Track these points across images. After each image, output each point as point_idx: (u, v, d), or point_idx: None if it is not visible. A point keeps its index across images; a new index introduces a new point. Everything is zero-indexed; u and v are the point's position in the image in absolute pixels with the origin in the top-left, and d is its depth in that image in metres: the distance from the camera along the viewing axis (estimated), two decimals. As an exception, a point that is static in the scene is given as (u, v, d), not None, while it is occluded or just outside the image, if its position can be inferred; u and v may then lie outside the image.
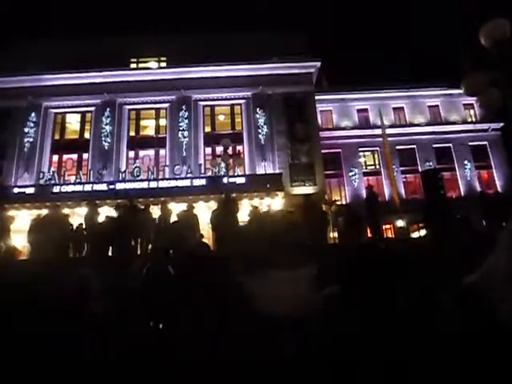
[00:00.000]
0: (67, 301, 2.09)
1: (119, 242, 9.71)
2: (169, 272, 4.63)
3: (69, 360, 1.57)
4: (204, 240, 9.62)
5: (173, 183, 20.59)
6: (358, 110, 28.42)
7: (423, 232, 16.90)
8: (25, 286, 2.97)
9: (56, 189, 20.52)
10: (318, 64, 24.41)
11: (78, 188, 20.51)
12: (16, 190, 20.67)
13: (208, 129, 24.42)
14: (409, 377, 1.35)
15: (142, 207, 11.54)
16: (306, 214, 11.58)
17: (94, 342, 1.75)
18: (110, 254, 10.27)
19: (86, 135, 24.37)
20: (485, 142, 27.54)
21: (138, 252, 9.97)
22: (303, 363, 1.59)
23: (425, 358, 1.31)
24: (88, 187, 20.55)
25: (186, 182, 20.59)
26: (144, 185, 20.60)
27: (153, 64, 26.15)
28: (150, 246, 9.86)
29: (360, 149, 27.26)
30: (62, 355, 1.58)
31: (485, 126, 27.47)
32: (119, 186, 20.49)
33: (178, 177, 21.34)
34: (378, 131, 23.39)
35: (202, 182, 20.52)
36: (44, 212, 15.02)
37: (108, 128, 23.72)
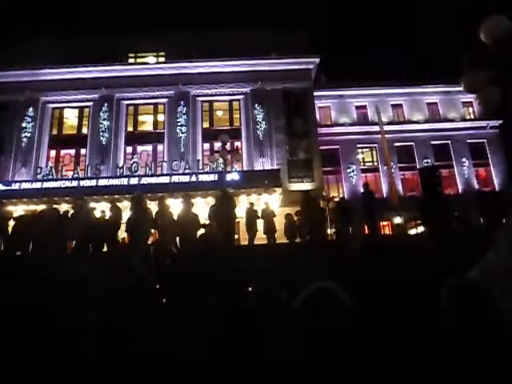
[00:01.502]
0: (67, 298, 2.09)
1: (130, 234, 9.70)
2: (171, 258, 4.58)
3: (68, 359, 1.56)
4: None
5: (170, 179, 20.49)
6: (357, 107, 28.39)
7: (421, 229, 16.93)
8: (24, 282, 2.96)
9: (53, 184, 20.41)
10: (317, 60, 24.35)
11: (76, 183, 20.39)
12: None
13: (206, 124, 24.32)
14: (408, 377, 1.36)
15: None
16: (304, 209, 11.63)
17: (93, 341, 1.74)
18: (105, 249, 10.27)
19: (84, 130, 24.23)
20: (483, 140, 27.58)
21: (136, 247, 9.95)
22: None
23: (426, 357, 1.31)
24: (85, 182, 20.44)
25: (184, 178, 20.50)
26: (142, 180, 20.48)
27: (151, 59, 26.01)
28: (148, 242, 9.87)
29: (358, 145, 27.25)
30: (61, 355, 1.57)
31: (483, 123, 27.49)
32: (117, 181, 20.37)
33: (175, 172, 21.25)
34: (377, 128, 23.35)
35: (200, 177, 20.44)
36: (41, 207, 14.96)
37: (106, 123, 23.61)
